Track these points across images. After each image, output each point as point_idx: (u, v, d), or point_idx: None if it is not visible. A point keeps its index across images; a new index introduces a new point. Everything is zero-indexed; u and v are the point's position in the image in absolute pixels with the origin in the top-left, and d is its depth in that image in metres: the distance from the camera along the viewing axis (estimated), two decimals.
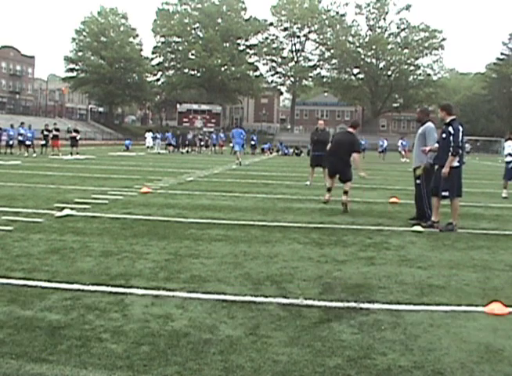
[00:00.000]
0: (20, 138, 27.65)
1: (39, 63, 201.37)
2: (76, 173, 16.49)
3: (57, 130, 29.35)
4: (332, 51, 77.60)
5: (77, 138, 29.89)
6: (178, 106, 70.63)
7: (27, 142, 27.26)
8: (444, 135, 8.08)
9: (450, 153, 7.90)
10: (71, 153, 27.95)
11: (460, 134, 7.97)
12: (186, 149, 41.00)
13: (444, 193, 8.05)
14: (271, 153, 42.80)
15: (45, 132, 29.12)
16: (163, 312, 3.99)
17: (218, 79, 74.90)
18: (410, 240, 7.26)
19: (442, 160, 8.03)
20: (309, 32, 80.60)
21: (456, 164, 8.01)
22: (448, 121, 8.11)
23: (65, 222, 7.73)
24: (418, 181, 8.61)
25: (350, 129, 10.34)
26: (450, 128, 8.01)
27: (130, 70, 77.46)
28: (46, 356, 3.14)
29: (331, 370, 3.10)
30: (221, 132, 46.79)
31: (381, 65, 77.54)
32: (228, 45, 76.40)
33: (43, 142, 28.93)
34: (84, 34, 76.49)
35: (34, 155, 26.49)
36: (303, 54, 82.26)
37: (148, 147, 39.91)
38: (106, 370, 3.00)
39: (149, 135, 40.65)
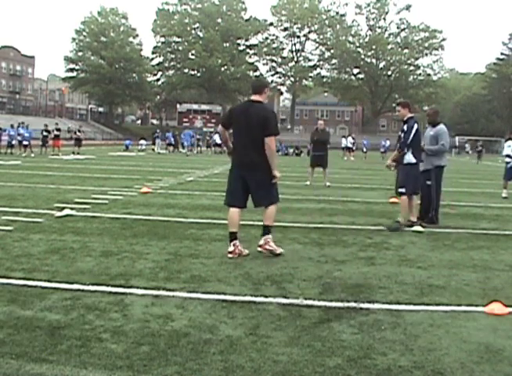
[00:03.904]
0: (19, 138, 27.73)
1: (39, 63, 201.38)
2: (76, 173, 16.49)
3: (58, 130, 29.40)
4: (332, 51, 77.64)
5: (81, 138, 30.46)
6: (178, 106, 70.63)
7: (25, 142, 27.40)
8: (400, 132, 8.35)
9: (396, 150, 8.23)
10: (73, 152, 28.13)
11: (413, 132, 8.03)
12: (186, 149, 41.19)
13: (400, 190, 8.13)
14: None
15: (44, 133, 29.16)
16: (163, 312, 3.99)
17: (218, 79, 74.91)
18: (410, 240, 7.26)
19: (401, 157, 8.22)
20: (309, 32, 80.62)
21: (413, 160, 8.07)
22: (405, 118, 8.22)
23: (65, 222, 7.72)
24: (429, 182, 8.60)
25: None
26: (405, 126, 8.15)
27: (130, 70, 77.49)
28: (46, 356, 3.13)
29: (331, 370, 3.10)
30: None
31: (381, 65, 77.57)
32: (228, 45, 76.41)
33: (41, 142, 29.00)
34: (84, 34, 76.54)
35: (32, 155, 26.47)
36: (303, 54, 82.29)
37: (140, 150, 41.25)
38: (106, 370, 3.00)
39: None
